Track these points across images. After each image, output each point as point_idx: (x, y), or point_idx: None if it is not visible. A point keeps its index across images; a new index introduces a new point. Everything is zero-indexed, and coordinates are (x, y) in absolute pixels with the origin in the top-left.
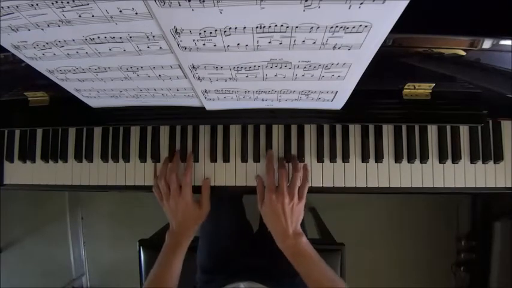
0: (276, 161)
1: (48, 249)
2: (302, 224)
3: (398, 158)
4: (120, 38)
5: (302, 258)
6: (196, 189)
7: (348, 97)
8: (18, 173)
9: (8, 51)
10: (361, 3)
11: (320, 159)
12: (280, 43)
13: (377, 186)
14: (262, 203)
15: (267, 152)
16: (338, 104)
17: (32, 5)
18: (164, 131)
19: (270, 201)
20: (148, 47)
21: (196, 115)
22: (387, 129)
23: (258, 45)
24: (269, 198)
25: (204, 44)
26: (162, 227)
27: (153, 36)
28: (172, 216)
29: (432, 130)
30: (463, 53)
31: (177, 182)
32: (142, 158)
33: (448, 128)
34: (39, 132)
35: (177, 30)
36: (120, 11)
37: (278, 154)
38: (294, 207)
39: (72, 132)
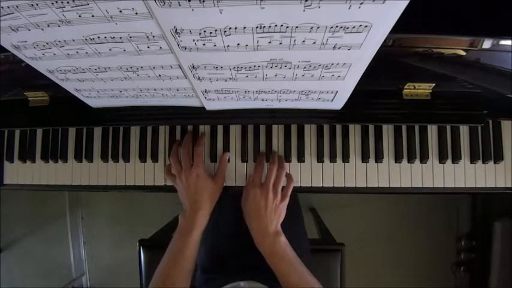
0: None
1: (48, 249)
2: (302, 225)
3: (398, 158)
4: (120, 38)
5: (280, 259)
6: None
7: (348, 97)
8: (18, 173)
9: (8, 51)
10: (361, 3)
11: (320, 159)
12: (280, 43)
13: (377, 186)
14: (246, 198)
15: None
16: (338, 104)
17: (32, 5)
18: (164, 131)
19: (254, 196)
20: (148, 47)
21: (196, 115)
22: (387, 129)
23: (258, 45)
24: (253, 192)
25: (204, 44)
26: (162, 227)
27: (153, 36)
28: (185, 193)
29: (432, 130)
30: (463, 53)
31: (189, 157)
32: (142, 158)
33: (448, 128)
34: (39, 132)
35: (177, 30)
36: (120, 11)
37: (278, 153)
38: (277, 204)
39: (72, 132)
